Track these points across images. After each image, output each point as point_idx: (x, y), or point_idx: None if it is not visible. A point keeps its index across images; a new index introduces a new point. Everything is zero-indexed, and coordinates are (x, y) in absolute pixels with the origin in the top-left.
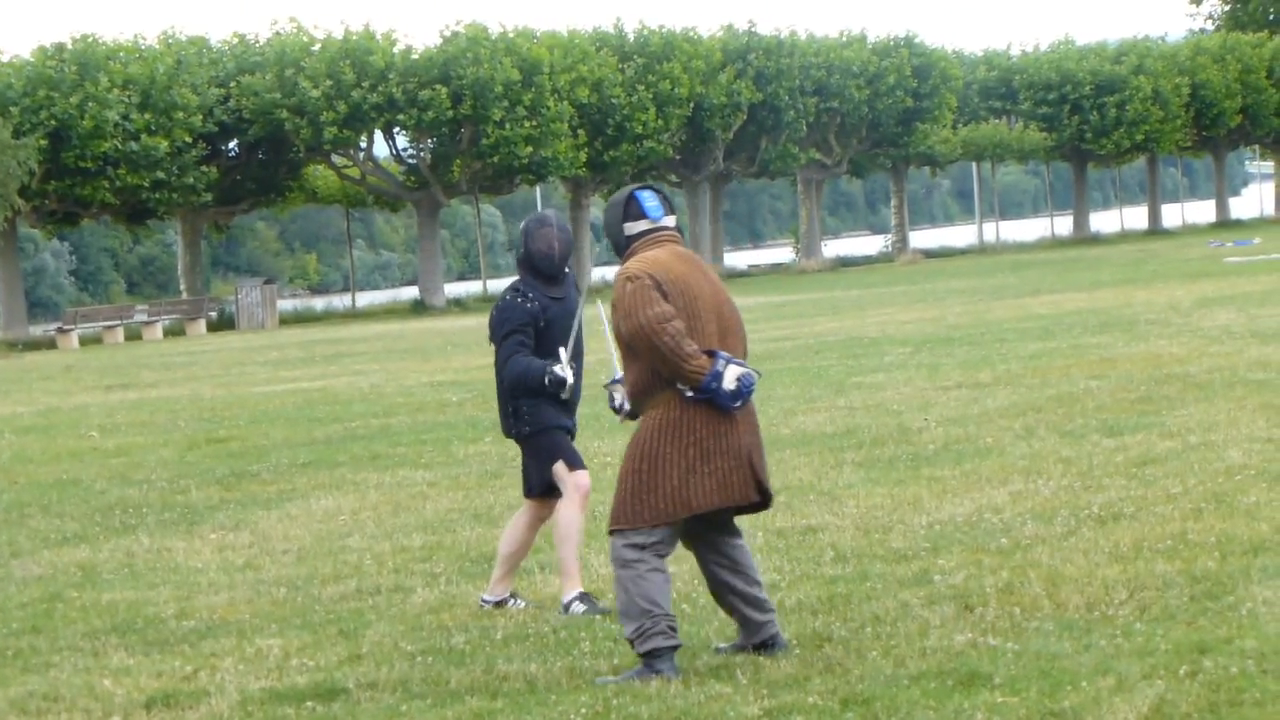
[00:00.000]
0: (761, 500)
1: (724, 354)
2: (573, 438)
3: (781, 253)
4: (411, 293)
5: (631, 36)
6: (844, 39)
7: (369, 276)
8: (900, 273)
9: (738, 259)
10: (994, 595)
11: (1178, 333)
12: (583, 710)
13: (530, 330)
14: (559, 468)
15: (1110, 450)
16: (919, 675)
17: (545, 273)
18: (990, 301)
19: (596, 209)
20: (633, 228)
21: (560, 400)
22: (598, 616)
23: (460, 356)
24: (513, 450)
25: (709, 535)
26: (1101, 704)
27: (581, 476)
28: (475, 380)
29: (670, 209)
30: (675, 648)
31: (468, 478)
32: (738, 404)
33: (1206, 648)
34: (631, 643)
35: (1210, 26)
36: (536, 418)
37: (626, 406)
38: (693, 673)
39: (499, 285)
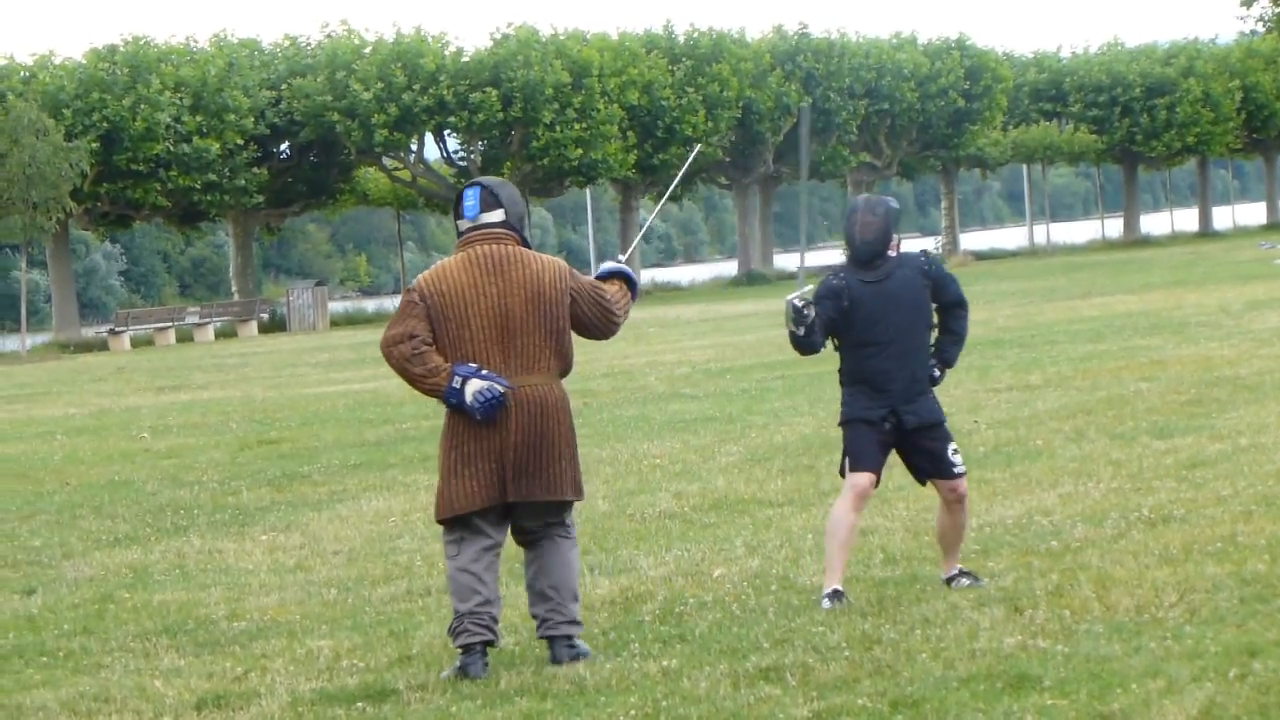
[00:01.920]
0: (552, 499)
1: (467, 368)
2: (870, 425)
3: (832, 255)
4: None
5: (681, 39)
6: (895, 41)
7: None
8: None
9: (787, 261)
10: (1044, 598)
11: (1228, 335)
12: (631, 712)
13: (830, 304)
14: (845, 464)
15: (1160, 453)
16: (968, 677)
17: (852, 255)
18: (1041, 304)
19: (646, 211)
20: (460, 227)
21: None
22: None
23: None
24: None
25: (520, 534)
26: (1151, 706)
27: (858, 477)
28: None
29: (496, 204)
30: (484, 643)
31: None
32: (480, 417)
33: (1256, 650)
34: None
35: (1261, 29)
36: (845, 409)
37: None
38: (742, 675)
39: None
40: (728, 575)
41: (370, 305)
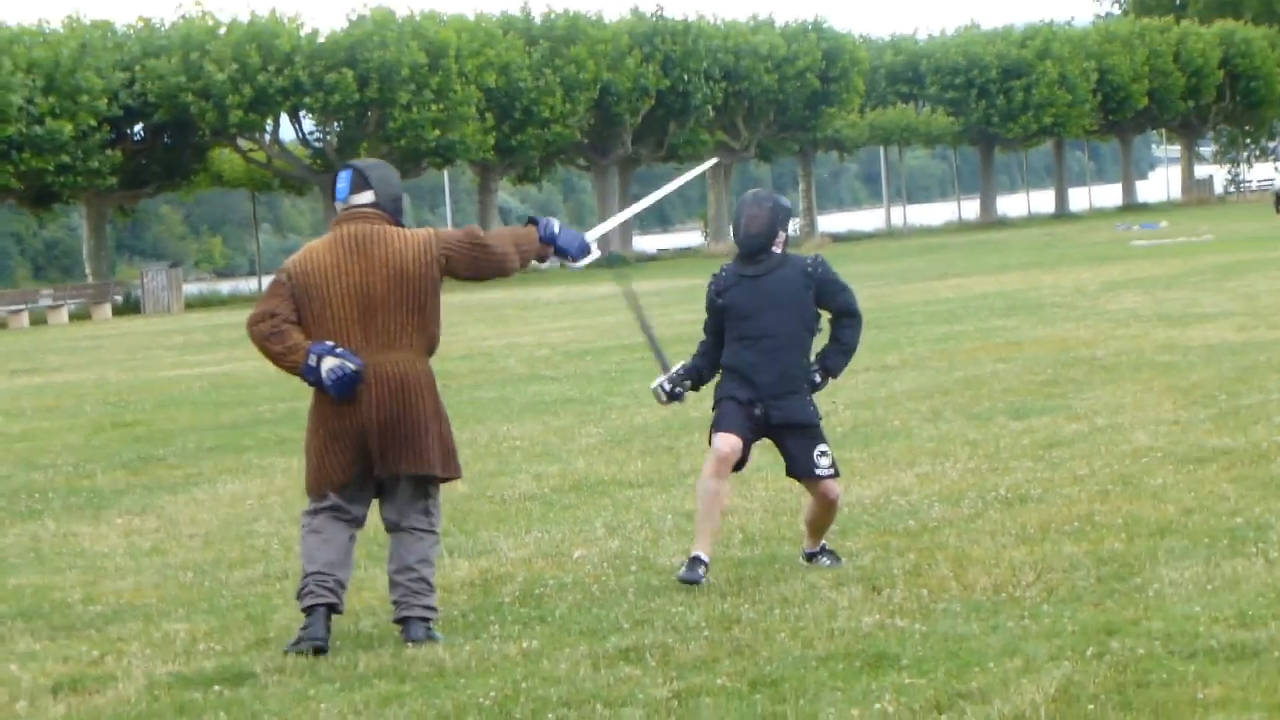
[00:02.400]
0: (419, 472)
1: (323, 346)
2: (739, 404)
3: (691, 236)
4: None
5: (538, 20)
6: (752, 23)
7: (275, 260)
8: None
9: (647, 243)
10: (901, 577)
11: (1084, 316)
12: (491, 693)
13: (709, 302)
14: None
15: (1017, 433)
16: (827, 656)
17: (738, 248)
18: (897, 285)
19: (505, 192)
20: (337, 210)
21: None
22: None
23: None
24: None
25: (386, 523)
26: (1009, 685)
27: (719, 438)
28: None
29: (365, 185)
30: (327, 605)
31: None
32: (336, 394)
33: (1113, 629)
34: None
35: (1116, 11)
36: (717, 390)
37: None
38: (602, 655)
39: None
40: (588, 556)
41: (225, 287)
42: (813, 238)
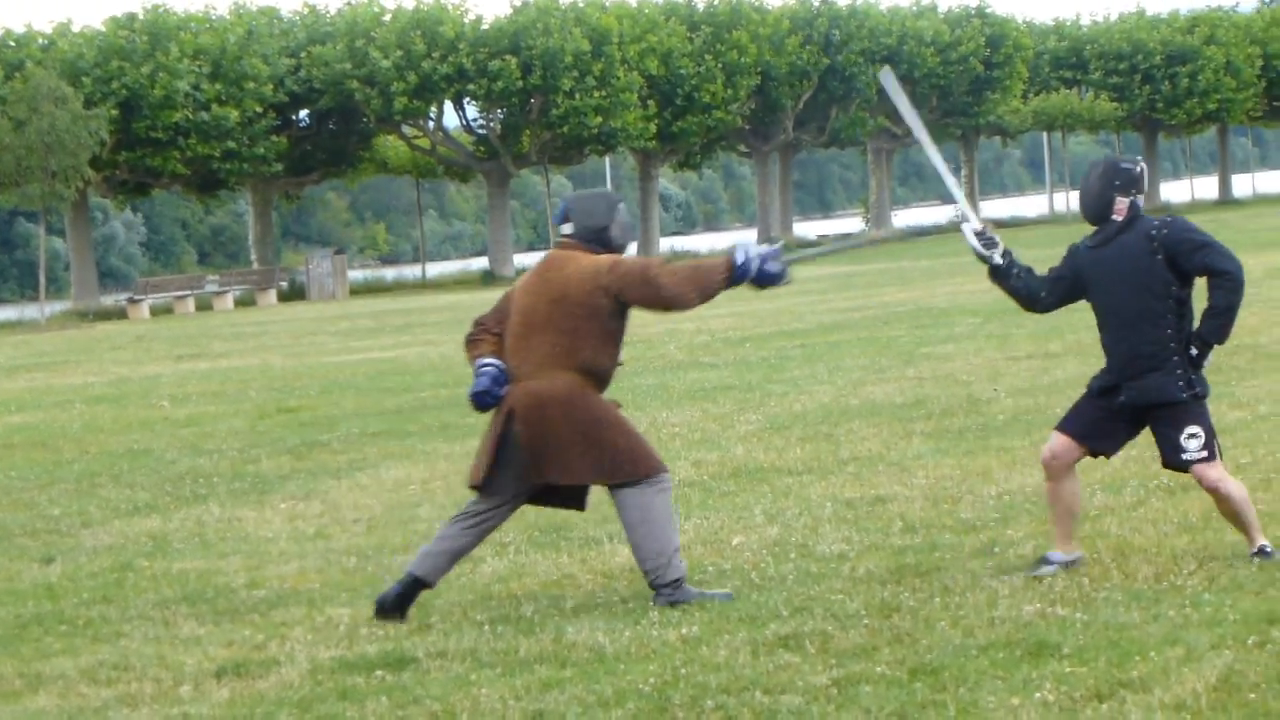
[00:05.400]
0: (566, 483)
1: (482, 362)
2: (1090, 396)
3: (851, 223)
4: (482, 263)
5: (700, 5)
6: (916, 8)
7: (439, 247)
8: None
9: (807, 229)
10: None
11: (1249, 303)
12: (651, 679)
13: (1064, 264)
14: None
15: None
16: (987, 645)
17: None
18: None
19: (665, 179)
20: None
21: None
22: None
23: None
24: None
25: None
26: (1170, 674)
27: (1052, 436)
28: None
29: (565, 218)
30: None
31: None
32: (474, 406)
33: (1275, 618)
34: None
35: None
36: None
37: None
38: (761, 642)
39: None
40: (747, 543)
41: (389, 274)
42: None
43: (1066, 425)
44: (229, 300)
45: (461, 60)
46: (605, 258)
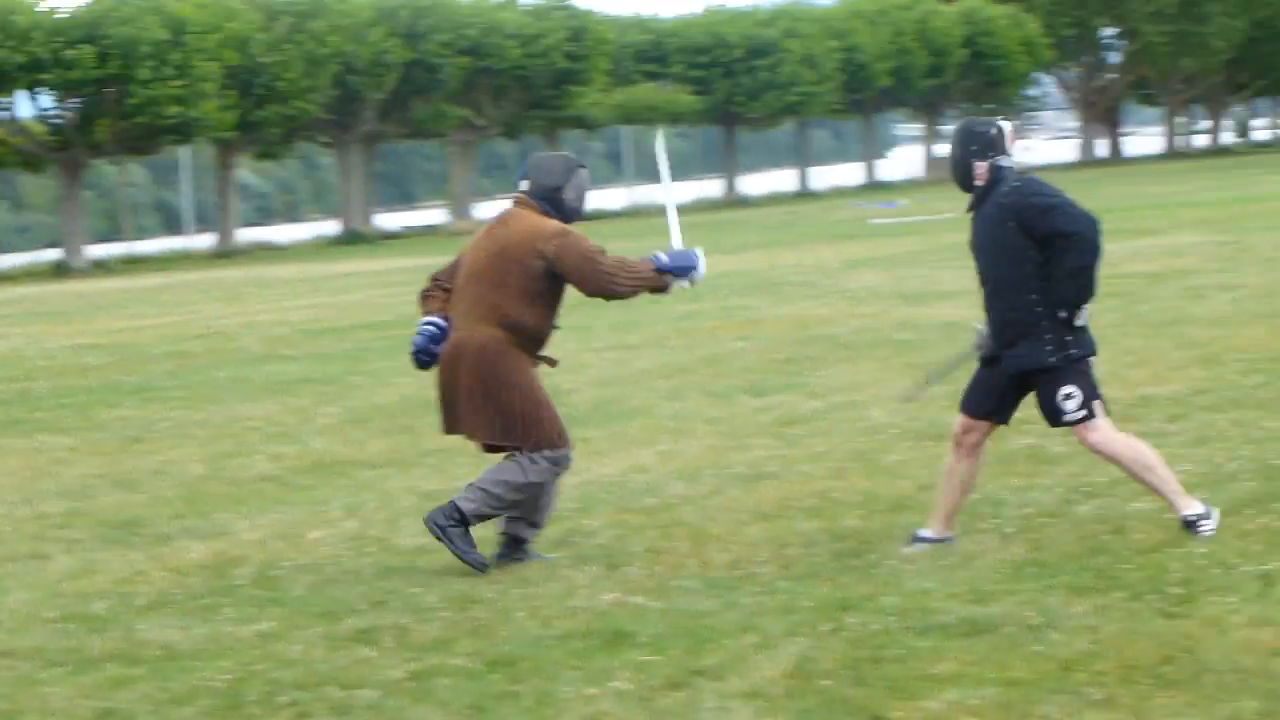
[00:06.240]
0: (473, 439)
1: (425, 319)
2: (982, 366)
3: (434, 214)
4: (55, 254)
5: None
6: (498, 0)
7: (10, 238)
8: None
9: (389, 220)
10: (640, 555)
11: (824, 294)
12: (225, 676)
13: None
14: None
15: (756, 410)
16: (564, 635)
17: None
18: None
19: (246, 169)
20: None
21: None
22: None
23: (103, 319)
24: (157, 415)
25: None
26: (745, 661)
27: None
28: (117, 343)
29: (524, 176)
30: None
31: (108, 443)
32: (414, 363)
33: (849, 605)
34: None
35: None
36: None
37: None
38: (338, 637)
39: (144, 247)
40: (325, 538)
41: None
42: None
43: (967, 405)
44: None
45: (35, 50)
46: (554, 224)
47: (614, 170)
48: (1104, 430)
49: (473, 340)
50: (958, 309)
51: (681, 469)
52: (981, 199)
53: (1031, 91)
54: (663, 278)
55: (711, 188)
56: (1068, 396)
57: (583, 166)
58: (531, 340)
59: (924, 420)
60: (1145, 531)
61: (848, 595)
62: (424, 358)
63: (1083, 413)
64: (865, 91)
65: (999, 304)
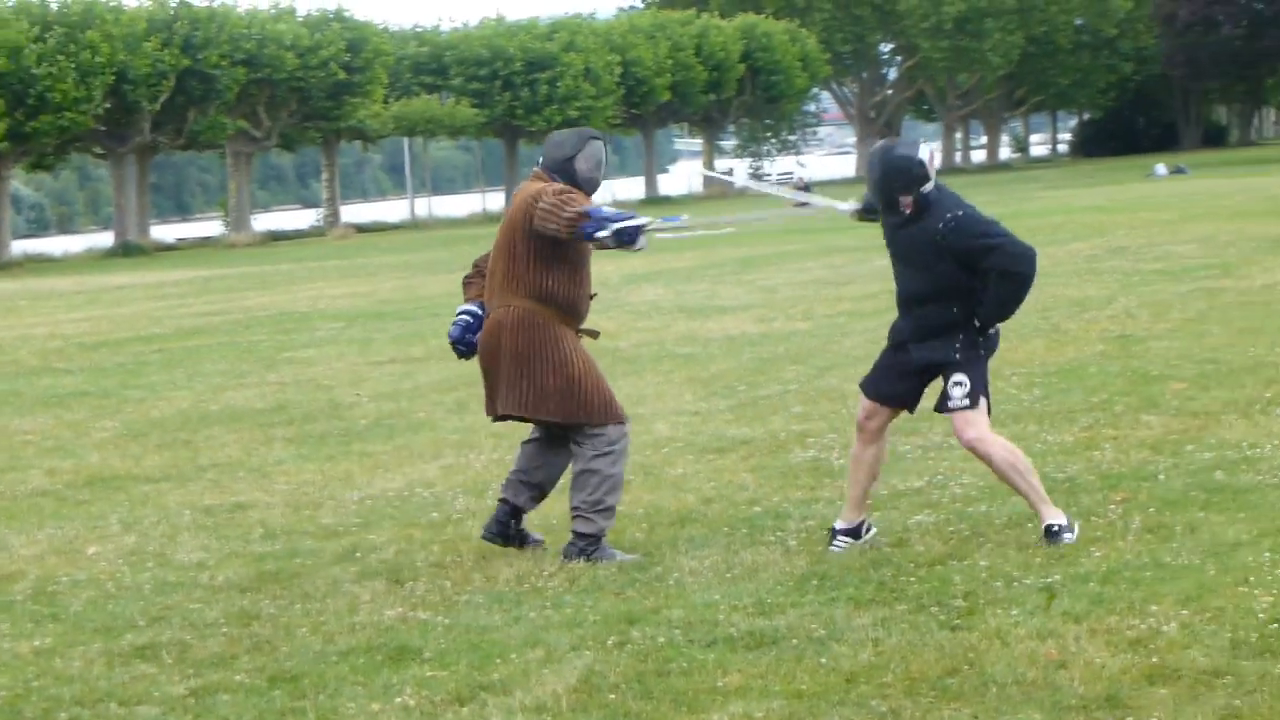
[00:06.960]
0: (512, 415)
1: (461, 309)
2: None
3: (210, 226)
4: None
5: (54, 5)
6: (275, 10)
7: None
8: (332, 247)
9: (165, 232)
10: (425, 569)
11: (607, 308)
12: (2, 693)
13: None
14: None
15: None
16: (348, 651)
17: None
18: (422, 276)
19: (18, 181)
20: None
21: None
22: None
23: None
24: None
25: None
26: (530, 675)
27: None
28: None
29: (542, 152)
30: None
31: None
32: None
33: (635, 618)
34: None
35: (640, 4)
36: None
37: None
38: (117, 653)
39: None
40: (102, 552)
41: None
42: (336, 228)
43: (869, 388)
44: None
45: None
46: (539, 185)
47: (394, 182)
48: (981, 428)
49: (509, 315)
50: (739, 323)
51: (466, 483)
52: (906, 222)
53: (809, 107)
54: (585, 219)
55: (493, 200)
56: (957, 384)
57: (597, 138)
58: (566, 310)
59: (707, 434)
60: (926, 544)
61: (633, 608)
62: (461, 348)
63: (966, 402)
64: (645, 106)
65: (918, 312)
